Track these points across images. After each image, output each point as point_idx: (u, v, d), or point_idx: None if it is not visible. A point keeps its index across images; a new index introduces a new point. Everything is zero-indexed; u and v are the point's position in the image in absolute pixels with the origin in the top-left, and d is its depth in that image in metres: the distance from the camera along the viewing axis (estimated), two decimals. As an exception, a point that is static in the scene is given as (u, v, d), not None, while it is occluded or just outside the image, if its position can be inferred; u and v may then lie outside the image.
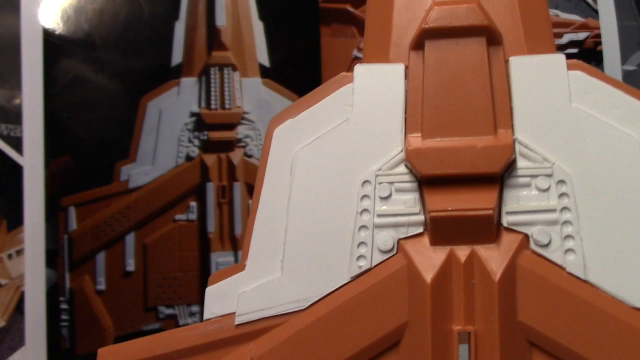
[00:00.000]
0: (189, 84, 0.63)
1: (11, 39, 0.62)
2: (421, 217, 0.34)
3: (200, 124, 0.63)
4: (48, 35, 0.62)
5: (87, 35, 0.62)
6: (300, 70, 0.65)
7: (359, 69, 0.35)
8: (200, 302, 0.60)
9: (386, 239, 0.34)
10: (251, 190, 0.62)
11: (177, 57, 0.63)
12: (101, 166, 0.62)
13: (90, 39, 0.62)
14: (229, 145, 0.63)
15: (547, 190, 0.33)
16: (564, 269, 0.32)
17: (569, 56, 0.65)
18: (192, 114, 0.63)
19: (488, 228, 0.33)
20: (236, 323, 0.34)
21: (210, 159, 0.63)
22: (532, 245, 0.33)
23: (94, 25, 0.63)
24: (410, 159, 0.33)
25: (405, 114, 0.35)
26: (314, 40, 0.65)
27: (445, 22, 0.34)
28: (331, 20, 0.67)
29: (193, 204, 0.63)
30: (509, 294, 0.32)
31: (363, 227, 0.34)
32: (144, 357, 0.35)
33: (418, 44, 0.35)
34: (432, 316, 0.32)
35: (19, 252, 0.61)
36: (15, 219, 0.61)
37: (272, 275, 0.35)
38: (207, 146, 0.63)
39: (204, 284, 0.61)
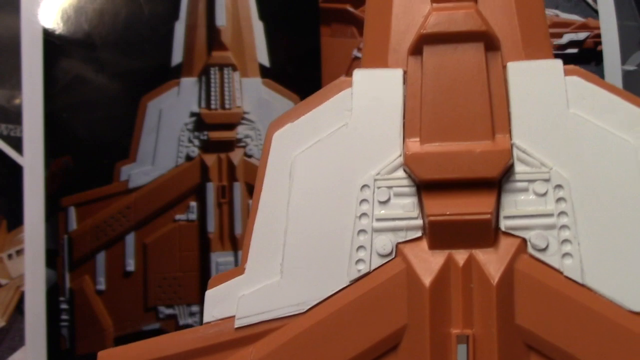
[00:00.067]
0: (189, 84, 0.63)
1: (11, 39, 0.62)
2: (420, 222, 0.34)
3: (200, 124, 0.63)
4: (48, 35, 0.62)
5: (87, 35, 0.62)
6: (300, 70, 0.65)
7: (357, 74, 0.36)
8: (200, 302, 0.61)
9: (385, 243, 0.34)
10: (251, 190, 0.63)
11: (177, 57, 0.63)
12: (101, 166, 0.62)
13: (90, 39, 0.62)
14: (229, 145, 0.63)
15: (544, 194, 0.33)
16: (561, 273, 0.33)
17: (569, 56, 0.65)
18: (192, 114, 0.63)
19: (486, 232, 0.33)
20: (236, 326, 0.35)
21: (210, 159, 0.63)
22: (530, 250, 0.33)
23: (94, 25, 0.63)
24: (409, 163, 0.34)
25: (403, 119, 0.35)
26: (314, 40, 0.65)
27: (443, 27, 0.34)
28: (331, 20, 0.67)
29: (193, 204, 0.63)
30: (507, 298, 0.32)
31: (362, 231, 0.34)
32: (144, 360, 0.35)
33: (416, 49, 0.35)
34: (431, 320, 0.32)
35: (19, 252, 0.61)
36: (15, 219, 0.61)
37: (271, 278, 0.35)
38: (207, 146, 0.63)
39: (204, 284, 0.61)
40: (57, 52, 0.62)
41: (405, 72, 0.35)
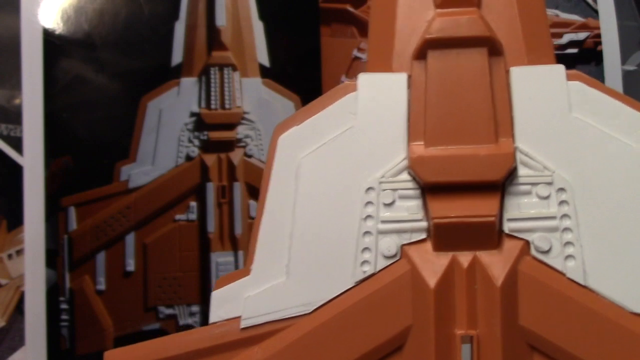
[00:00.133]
0: (189, 84, 0.63)
1: (11, 39, 0.61)
2: (424, 224, 0.34)
3: (200, 124, 0.63)
4: (48, 35, 0.62)
5: (87, 35, 0.62)
6: (300, 70, 0.65)
7: (362, 78, 0.36)
8: (200, 302, 0.61)
9: (390, 244, 0.34)
10: (251, 190, 0.63)
11: (177, 57, 0.63)
12: (101, 166, 0.62)
13: (90, 39, 0.62)
14: (229, 145, 0.63)
15: (547, 197, 0.34)
16: (564, 274, 0.33)
17: (569, 56, 0.65)
18: (192, 114, 0.63)
19: (490, 234, 0.33)
20: (241, 326, 0.35)
21: (210, 159, 0.63)
22: (533, 252, 0.33)
23: (94, 25, 0.63)
24: (414, 166, 0.34)
25: (408, 123, 0.35)
26: (314, 40, 0.65)
27: (447, 32, 0.34)
28: (331, 20, 0.67)
29: (193, 204, 0.63)
30: (511, 299, 0.33)
31: (367, 232, 0.34)
32: (150, 360, 0.35)
33: (421, 54, 0.35)
34: (436, 320, 0.33)
35: (19, 252, 0.61)
36: (15, 219, 0.61)
37: (277, 279, 0.35)
38: (207, 146, 0.63)
39: (204, 284, 0.62)
40: (57, 52, 0.62)
41: (409, 77, 0.36)
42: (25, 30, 0.62)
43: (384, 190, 0.35)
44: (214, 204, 0.63)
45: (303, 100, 0.63)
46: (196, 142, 0.63)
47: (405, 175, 0.35)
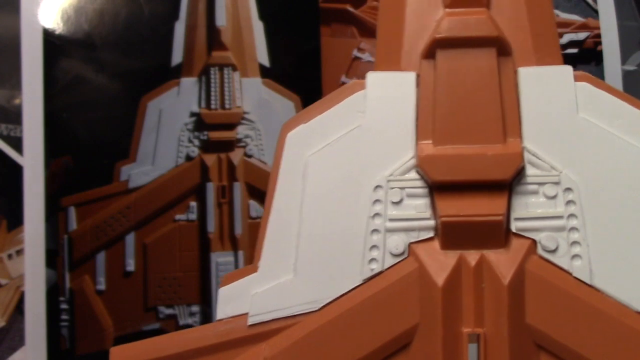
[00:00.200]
0: (189, 84, 0.63)
1: (11, 39, 0.61)
2: (432, 222, 0.35)
3: (200, 124, 0.63)
4: (48, 35, 0.62)
5: (87, 35, 0.62)
6: (300, 70, 0.65)
7: (371, 76, 0.36)
8: (200, 302, 0.61)
9: (397, 242, 0.34)
10: (251, 190, 0.63)
11: (177, 57, 0.63)
12: (101, 166, 0.62)
13: (90, 39, 0.62)
14: (229, 145, 0.63)
15: (554, 197, 0.34)
16: (570, 274, 0.33)
17: (569, 56, 0.65)
18: (192, 114, 0.63)
19: (497, 233, 0.34)
20: (249, 323, 0.35)
21: (210, 159, 0.63)
22: (540, 251, 0.34)
23: (94, 25, 0.62)
24: (422, 165, 0.34)
25: (416, 121, 0.35)
26: (314, 40, 0.65)
27: (456, 32, 0.35)
28: (331, 20, 0.67)
29: (193, 204, 0.63)
30: (518, 298, 0.33)
31: (375, 230, 0.35)
32: (156, 356, 0.35)
33: (429, 53, 0.36)
34: (443, 318, 0.33)
35: (19, 252, 0.61)
36: (15, 219, 0.61)
37: (284, 277, 0.35)
38: (207, 146, 0.63)
39: (204, 284, 0.61)
40: (57, 52, 0.62)
41: (418, 76, 0.36)
42: (25, 30, 0.61)
43: (392, 188, 0.35)
44: (214, 204, 0.63)
45: (303, 100, 0.64)
46: (196, 142, 0.63)
47: (413, 174, 0.35)
